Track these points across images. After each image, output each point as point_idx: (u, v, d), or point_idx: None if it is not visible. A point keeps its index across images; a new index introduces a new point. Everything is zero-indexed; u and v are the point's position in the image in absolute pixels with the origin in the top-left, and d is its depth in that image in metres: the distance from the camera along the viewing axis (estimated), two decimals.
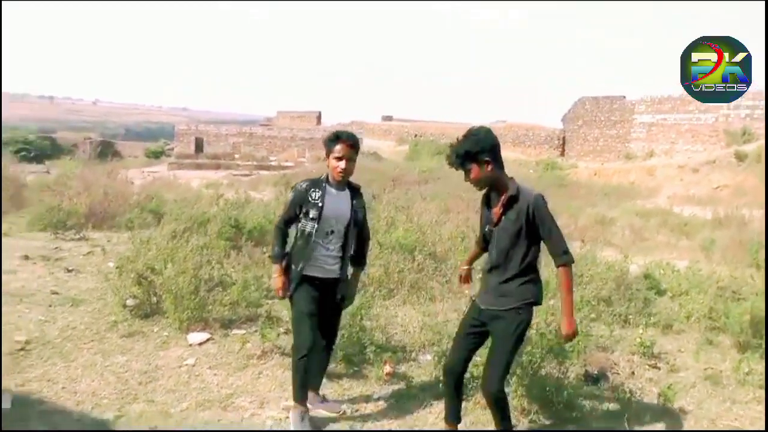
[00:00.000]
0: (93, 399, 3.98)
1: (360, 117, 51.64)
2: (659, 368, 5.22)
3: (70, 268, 7.00)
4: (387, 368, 4.60)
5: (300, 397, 3.71)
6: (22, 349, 4.71)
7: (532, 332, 4.12)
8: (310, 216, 3.65)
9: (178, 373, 4.46)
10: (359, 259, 3.98)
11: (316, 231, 3.65)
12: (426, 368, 4.70)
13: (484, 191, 3.39)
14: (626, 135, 30.62)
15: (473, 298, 3.52)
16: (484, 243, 3.50)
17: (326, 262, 3.72)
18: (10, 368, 4.38)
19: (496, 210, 3.27)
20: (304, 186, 3.73)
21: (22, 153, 35.34)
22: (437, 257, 7.75)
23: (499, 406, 3.29)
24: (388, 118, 56.96)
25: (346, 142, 3.66)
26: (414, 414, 4.02)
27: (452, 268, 7.42)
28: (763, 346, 5.32)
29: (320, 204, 3.65)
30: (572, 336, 3.26)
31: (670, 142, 28.54)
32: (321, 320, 3.74)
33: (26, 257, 7.37)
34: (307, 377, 3.73)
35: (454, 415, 3.57)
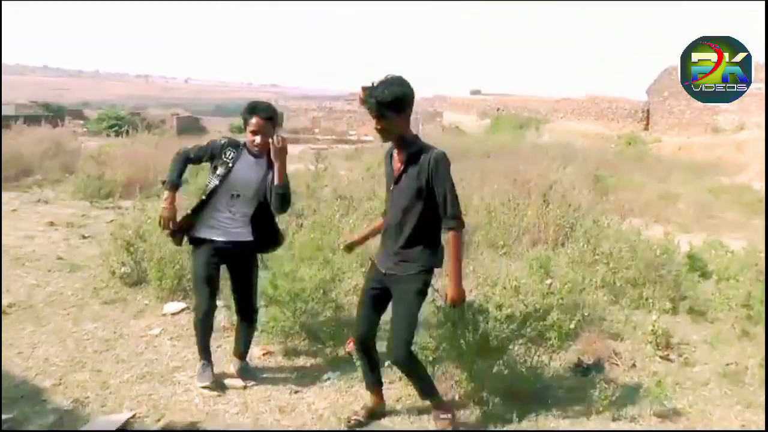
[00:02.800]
0: (42, 366, 3.92)
1: (445, 91, 51.12)
2: (672, 360, 4.64)
3: (86, 235, 7.09)
4: (349, 346, 4.30)
5: (202, 354, 3.76)
6: (2, 312, 4.75)
7: (495, 310, 3.69)
8: (218, 172, 3.54)
9: (137, 343, 4.35)
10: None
11: (218, 190, 3.55)
12: None
13: (390, 150, 3.23)
14: (715, 107, 28.28)
15: (372, 260, 3.39)
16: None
17: (228, 225, 3.61)
18: None
19: (397, 168, 3.14)
20: (222, 142, 3.64)
21: (114, 128, 37.08)
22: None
23: (413, 371, 3.25)
24: (477, 92, 56.19)
25: (261, 115, 3.52)
26: (347, 396, 3.74)
27: (475, 244, 7.04)
28: None
29: (230, 165, 3.53)
30: (457, 301, 3.17)
31: (763, 113, 26.21)
32: (234, 287, 3.82)
33: (51, 223, 7.55)
34: (207, 337, 3.73)
35: (373, 381, 3.45)
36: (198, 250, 3.63)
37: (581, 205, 8.39)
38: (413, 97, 3.04)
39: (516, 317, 3.66)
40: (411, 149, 3.08)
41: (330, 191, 8.88)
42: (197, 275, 3.63)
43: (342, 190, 8.81)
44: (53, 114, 40.20)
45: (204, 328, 3.68)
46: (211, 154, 3.60)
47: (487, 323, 3.59)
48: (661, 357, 4.66)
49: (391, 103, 2.95)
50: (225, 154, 3.56)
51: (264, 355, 4.26)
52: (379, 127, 3.03)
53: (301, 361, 4.20)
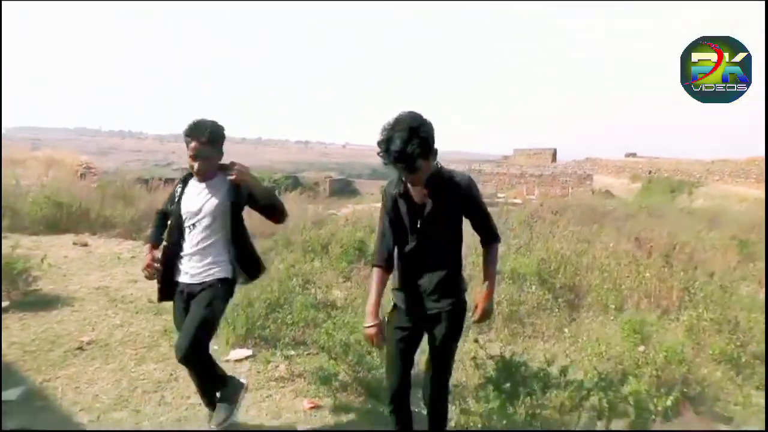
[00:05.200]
0: (89, 402, 3.92)
1: (598, 153, 49.86)
2: None
3: None
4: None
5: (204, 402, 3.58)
6: (79, 348, 4.88)
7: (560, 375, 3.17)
8: (171, 212, 3.36)
9: (188, 387, 4.21)
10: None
11: (172, 229, 3.34)
12: None
13: (396, 189, 2.90)
14: None
15: (395, 303, 3.03)
16: (388, 255, 2.96)
17: (188, 264, 3.30)
18: (55, 364, 4.55)
19: (422, 198, 2.82)
20: (178, 179, 3.43)
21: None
22: (576, 290, 6.76)
23: (444, 415, 3.00)
24: (632, 155, 54.08)
25: (199, 139, 3.17)
26: None
27: (588, 306, 6.39)
28: None
29: (176, 199, 3.32)
30: (489, 315, 2.96)
31: None
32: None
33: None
34: (199, 386, 3.48)
35: None
36: (175, 298, 3.40)
37: (714, 271, 7.41)
38: (434, 131, 2.70)
39: (578, 384, 3.10)
40: (436, 178, 2.79)
41: None
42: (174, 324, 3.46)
43: None
44: None
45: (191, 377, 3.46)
46: (171, 200, 3.41)
47: (544, 390, 3.07)
48: None
49: (423, 153, 2.62)
50: (176, 192, 3.36)
51: (311, 408, 3.97)
52: (413, 178, 2.73)
53: (351, 417, 3.86)
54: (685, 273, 6.72)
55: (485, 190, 42.95)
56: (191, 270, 3.28)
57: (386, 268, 2.95)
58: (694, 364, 4.44)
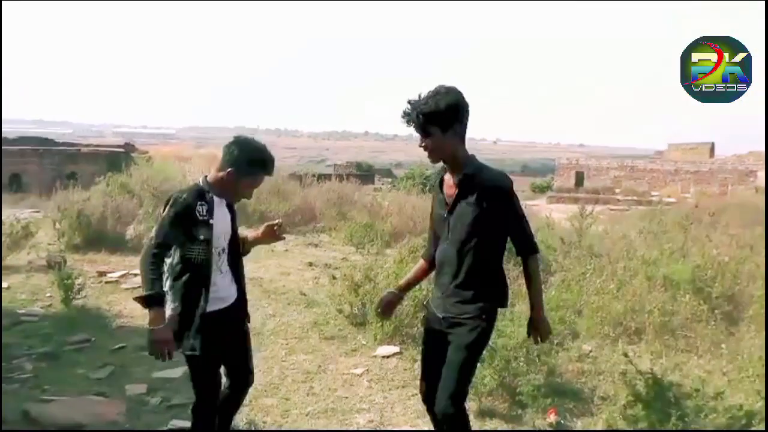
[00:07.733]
0: None
1: (762, 146, 45.61)
2: None
3: (336, 276, 7.56)
4: (550, 417, 3.81)
5: None
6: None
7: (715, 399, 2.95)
8: (201, 238, 2.72)
9: (335, 379, 4.45)
10: None
11: (209, 257, 2.75)
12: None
13: (440, 173, 2.78)
14: None
15: (426, 304, 2.93)
16: (435, 244, 2.81)
17: (223, 288, 2.85)
18: None
19: (450, 193, 2.68)
20: (188, 199, 2.74)
21: (421, 186, 40.30)
22: (735, 301, 6.25)
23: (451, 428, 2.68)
24: None
25: (270, 173, 2.92)
26: None
27: (749, 320, 5.88)
28: None
29: (211, 221, 2.75)
30: (547, 336, 2.78)
31: None
32: (231, 357, 2.98)
33: (310, 264, 8.25)
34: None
35: None
36: (203, 334, 2.75)
37: None
38: (465, 110, 2.60)
39: (738, 408, 2.87)
40: (466, 170, 2.62)
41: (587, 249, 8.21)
42: (207, 362, 2.81)
43: (600, 249, 8.10)
44: (365, 172, 45.19)
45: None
46: (187, 222, 2.73)
47: (698, 412, 2.87)
48: None
49: (433, 116, 2.52)
50: (199, 212, 2.73)
51: None
52: (423, 145, 2.60)
53: (494, 424, 3.84)
54: None
55: (638, 188, 40.90)
56: (226, 293, 2.97)
57: (429, 261, 2.88)
58: None
